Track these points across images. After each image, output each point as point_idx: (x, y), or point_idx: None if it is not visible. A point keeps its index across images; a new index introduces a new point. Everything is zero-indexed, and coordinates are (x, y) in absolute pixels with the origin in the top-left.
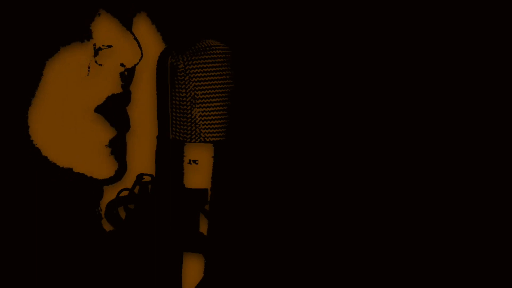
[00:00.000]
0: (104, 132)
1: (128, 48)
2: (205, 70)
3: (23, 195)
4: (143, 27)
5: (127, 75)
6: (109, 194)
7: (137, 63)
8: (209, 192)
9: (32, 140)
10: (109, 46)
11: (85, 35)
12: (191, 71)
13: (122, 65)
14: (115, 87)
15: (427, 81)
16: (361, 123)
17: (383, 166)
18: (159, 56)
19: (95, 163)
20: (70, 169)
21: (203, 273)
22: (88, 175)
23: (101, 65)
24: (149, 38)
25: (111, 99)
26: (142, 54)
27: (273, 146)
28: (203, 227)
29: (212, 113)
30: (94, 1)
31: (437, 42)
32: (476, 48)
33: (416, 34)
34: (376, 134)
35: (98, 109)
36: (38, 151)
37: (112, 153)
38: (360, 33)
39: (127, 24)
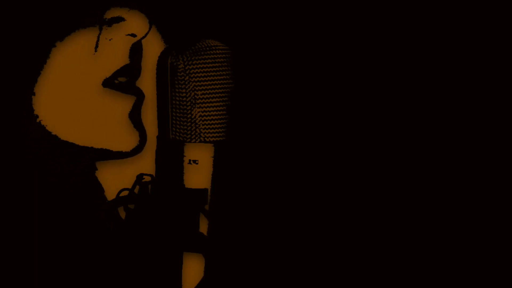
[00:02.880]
0: (119, 104)
1: (136, 20)
2: (205, 70)
3: (24, 195)
4: (143, 26)
5: (136, 48)
6: (109, 194)
7: (146, 34)
8: (209, 192)
9: (44, 126)
10: (121, 19)
11: (95, 16)
12: (191, 71)
13: (132, 35)
14: (125, 59)
15: (427, 81)
16: (361, 123)
17: (383, 166)
18: (159, 56)
19: (117, 136)
20: (92, 148)
21: (203, 273)
22: (113, 150)
23: (111, 39)
24: (149, 38)
25: (123, 70)
26: (150, 25)
27: (273, 146)
28: (203, 227)
29: (212, 113)
30: None
31: (437, 42)
32: (476, 48)
33: (416, 34)
34: (376, 134)
35: (110, 82)
36: (54, 137)
37: (131, 123)
38: (360, 33)
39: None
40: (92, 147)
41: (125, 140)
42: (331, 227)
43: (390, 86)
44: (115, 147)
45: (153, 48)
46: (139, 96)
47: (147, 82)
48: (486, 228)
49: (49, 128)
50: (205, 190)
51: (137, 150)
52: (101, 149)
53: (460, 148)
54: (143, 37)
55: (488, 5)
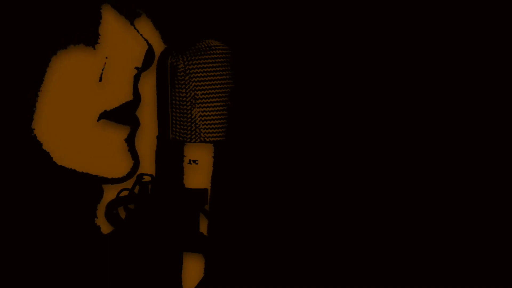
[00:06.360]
0: (116, 132)
1: (141, 50)
2: (205, 70)
3: (25, 196)
4: (143, 27)
5: (137, 79)
6: (109, 194)
7: (150, 66)
8: (209, 192)
9: (42, 145)
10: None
11: (93, 37)
12: (191, 71)
13: (136, 68)
14: (127, 92)
15: (427, 81)
16: (361, 123)
17: (383, 166)
18: (159, 56)
19: (109, 163)
20: (85, 172)
21: (203, 273)
22: (104, 176)
23: (113, 70)
24: (149, 38)
25: (125, 104)
26: (154, 55)
27: (273, 146)
28: (203, 227)
29: (212, 113)
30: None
31: (437, 42)
32: (476, 48)
33: (416, 34)
34: (376, 134)
35: (110, 113)
36: (48, 156)
37: (124, 150)
38: (360, 33)
39: (132, 20)
40: (77, 171)
41: (116, 166)
42: (331, 227)
43: (390, 86)
44: (105, 173)
45: (153, 48)
46: (135, 125)
47: (147, 82)
48: (486, 228)
49: (44, 144)
50: (205, 190)
51: (128, 177)
52: (86, 173)
53: (460, 148)
54: (145, 69)
55: (488, 5)
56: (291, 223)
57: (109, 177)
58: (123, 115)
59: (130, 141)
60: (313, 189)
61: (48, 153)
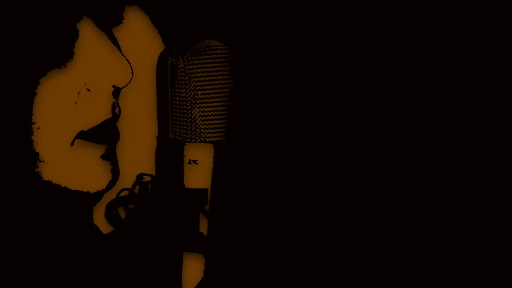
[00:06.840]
0: (95, 148)
1: (119, 68)
2: (205, 70)
3: (23, 195)
4: (143, 26)
5: (116, 95)
6: (109, 194)
7: (128, 83)
8: (209, 192)
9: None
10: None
11: (71, 54)
12: (191, 71)
13: (113, 86)
14: (106, 110)
15: (427, 81)
16: (361, 123)
17: (383, 166)
18: (159, 56)
19: (88, 177)
20: (63, 186)
21: (203, 273)
22: (81, 190)
23: (91, 89)
24: (148, 38)
25: (103, 123)
26: (132, 73)
27: (273, 146)
28: (203, 227)
29: (212, 113)
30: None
31: (437, 42)
32: (476, 48)
33: (416, 34)
34: (376, 134)
35: (89, 132)
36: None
37: (104, 165)
38: (360, 33)
39: (114, 40)
40: (61, 186)
41: (97, 180)
42: (331, 227)
43: (390, 86)
44: (85, 187)
45: (153, 48)
46: (114, 141)
47: (147, 82)
48: (486, 228)
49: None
50: (205, 190)
51: (105, 190)
52: (65, 187)
53: (460, 148)
54: (126, 85)
55: (488, 5)
56: (291, 223)
57: (87, 191)
58: (101, 134)
59: (111, 156)
60: (313, 189)
61: (35, 165)
